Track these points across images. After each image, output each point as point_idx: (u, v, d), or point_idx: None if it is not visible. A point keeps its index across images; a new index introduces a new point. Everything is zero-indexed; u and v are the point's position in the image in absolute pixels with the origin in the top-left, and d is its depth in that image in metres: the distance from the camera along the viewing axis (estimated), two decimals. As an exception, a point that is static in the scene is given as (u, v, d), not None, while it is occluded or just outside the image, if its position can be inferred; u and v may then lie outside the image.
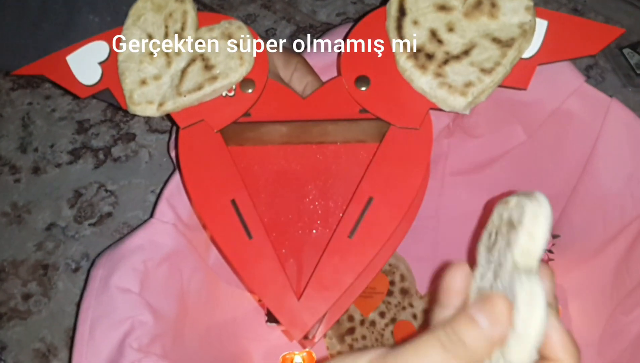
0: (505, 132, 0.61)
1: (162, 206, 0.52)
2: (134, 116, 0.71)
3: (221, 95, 0.49)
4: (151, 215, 0.51)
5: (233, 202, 0.48)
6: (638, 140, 0.53)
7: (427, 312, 0.63)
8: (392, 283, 0.64)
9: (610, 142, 0.54)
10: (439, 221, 0.68)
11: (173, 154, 0.55)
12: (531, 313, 0.27)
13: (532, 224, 0.28)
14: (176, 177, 0.53)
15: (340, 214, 0.49)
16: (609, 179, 0.55)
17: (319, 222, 0.53)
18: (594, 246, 0.58)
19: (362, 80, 0.50)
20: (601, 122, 0.54)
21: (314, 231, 0.53)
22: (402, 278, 0.64)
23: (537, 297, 0.27)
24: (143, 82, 0.49)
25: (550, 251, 0.60)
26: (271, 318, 0.61)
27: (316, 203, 0.54)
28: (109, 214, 0.67)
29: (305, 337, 0.55)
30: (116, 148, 0.70)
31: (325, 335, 0.62)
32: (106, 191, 0.68)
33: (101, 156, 0.69)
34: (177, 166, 0.52)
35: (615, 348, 0.56)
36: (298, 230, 0.53)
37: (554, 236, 0.61)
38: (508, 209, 0.30)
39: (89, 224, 0.66)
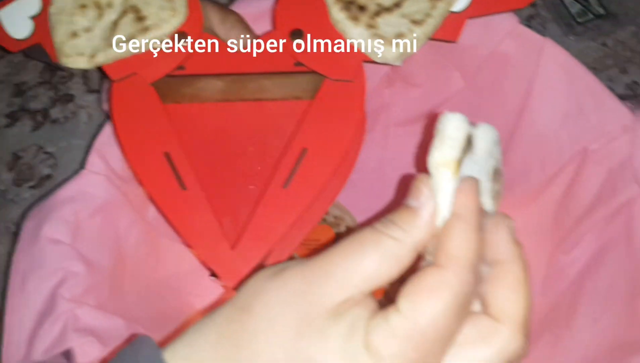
0: (444, 79, 0.61)
1: (92, 157, 0.50)
2: (72, 77, 0.70)
3: (154, 47, 0.49)
4: (81, 167, 0.50)
5: (166, 154, 0.47)
6: (572, 78, 0.53)
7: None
8: (337, 235, 0.64)
9: (546, 82, 0.54)
10: (384, 173, 0.68)
11: (106, 107, 0.54)
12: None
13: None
14: (108, 128, 0.52)
15: (278, 169, 0.49)
16: (545, 120, 0.55)
17: (256, 178, 0.53)
18: (534, 188, 0.58)
19: (296, 33, 0.49)
20: (536, 63, 0.54)
21: (252, 187, 0.53)
22: (348, 229, 0.64)
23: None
24: (74, 34, 0.48)
25: (491, 195, 0.61)
26: (214, 272, 0.60)
27: (254, 160, 0.53)
28: (49, 176, 0.65)
29: None
30: (54, 109, 0.68)
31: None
32: (45, 153, 0.66)
33: (39, 118, 0.68)
34: (110, 118, 0.51)
35: (557, 289, 0.57)
36: (235, 186, 0.52)
37: (495, 180, 0.61)
38: None
39: (29, 187, 0.65)
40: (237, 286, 0.52)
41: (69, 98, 0.68)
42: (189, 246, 0.47)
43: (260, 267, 0.55)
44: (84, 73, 0.69)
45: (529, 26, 0.72)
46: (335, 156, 0.47)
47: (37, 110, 0.68)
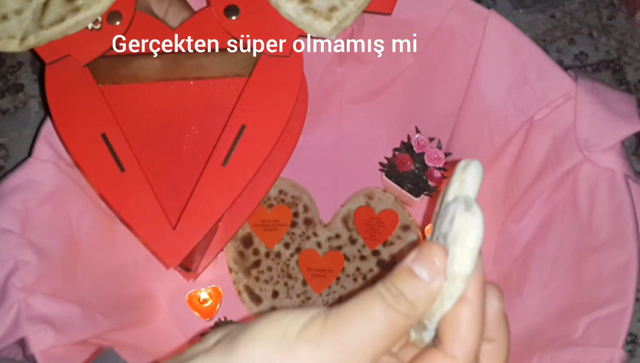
0: (395, 55, 0.61)
1: (40, 144, 0.50)
2: (20, 66, 0.69)
3: (87, 28, 0.48)
4: (29, 155, 0.50)
5: (104, 136, 0.47)
6: (516, 49, 0.54)
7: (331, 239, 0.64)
8: (295, 214, 0.64)
9: (491, 54, 0.55)
10: (339, 152, 0.68)
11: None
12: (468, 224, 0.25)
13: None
14: (55, 115, 0.51)
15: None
16: (492, 92, 0.56)
17: (199, 157, 0.53)
18: (485, 160, 0.59)
19: (231, 9, 0.49)
20: (481, 35, 0.55)
21: (195, 166, 0.52)
22: (306, 208, 0.65)
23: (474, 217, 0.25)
24: (4, 17, 0.48)
25: (444, 168, 0.62)
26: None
27: (197, 139, 0.53)
28: (1, 167, 0.65)
29: (188, 269, 0.54)
30: (4, 100, 0.67)
31: (231, 271, 0.62)
32: (-4, 144, 0.65)
33: (-12, 109, 0.67)
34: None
35: (509, 257, 0.58)
36: (178, 166, 0.52)
37: (447, 154, 0.62)
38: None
39: (-19, 179, 0.64)
40: (186, 270, 0.52)
41: (18, 88, 0.67)
42: (129, 228, 0.47)
43: (203, 246, 0.55)
44: (33, 62, 0.68)
45: (479, 1, 0.73)
46: (274, 131, 0.47)
47: (-14, 101, 0.67)
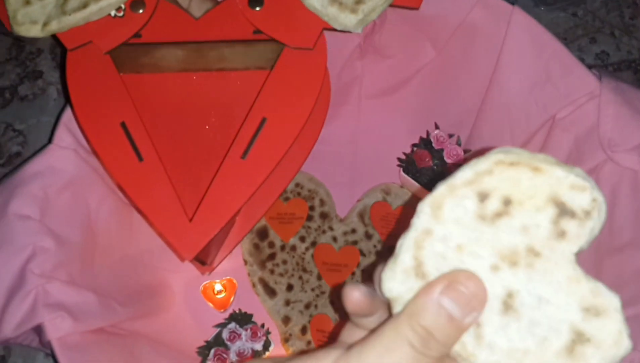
0: (416, 50, 0.61)
1: (60, 132, 0.50)
2: (40, 53, 0.69)
3: (109, 15, 0.48)
4: (48, 142, 0.50)
5: (123, 124, 0.47)
6: (539, 46, 0.53)
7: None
8: (311, 208, 0.64)
9: (514, 50, 0.55)
10: (357, 146, 0.68)
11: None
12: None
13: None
14: (75, 103, 0.51)
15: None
16: (514, 88, 0.56)
17: (218, 150, 0.52)
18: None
19: (255, 0, 0.49)
20: (504, 32, 0.55)
21: (214, 158, 0.52)
22: (322, 202, 0.64)
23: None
24: (27, 2, 0.48)
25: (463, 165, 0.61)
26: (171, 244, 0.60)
27: (216, 131, 0.52)
28: (18, 154, 0.65)
29: (203, 262, 0.54)
30: (23, 86, 0.67)
31: (246, 263, 0.62)
32: (14, 130, 0.65)
33: (7, 95, 0.67)
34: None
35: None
36: (197, 158, 0.52)
37: (466, 151, 0.61)
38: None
39: (-2, 166, 0.64)
40: (201, 263, 0.52)
41: (37, 75, 0.67)
42: (145, 218, 0.47)
43: (219, 240, 0.55)
44: (52, 49, 0.68)
45: (501, -2, 0.73)
46: (295, 125, 0.46)
47: (4, 87, 0.67)
